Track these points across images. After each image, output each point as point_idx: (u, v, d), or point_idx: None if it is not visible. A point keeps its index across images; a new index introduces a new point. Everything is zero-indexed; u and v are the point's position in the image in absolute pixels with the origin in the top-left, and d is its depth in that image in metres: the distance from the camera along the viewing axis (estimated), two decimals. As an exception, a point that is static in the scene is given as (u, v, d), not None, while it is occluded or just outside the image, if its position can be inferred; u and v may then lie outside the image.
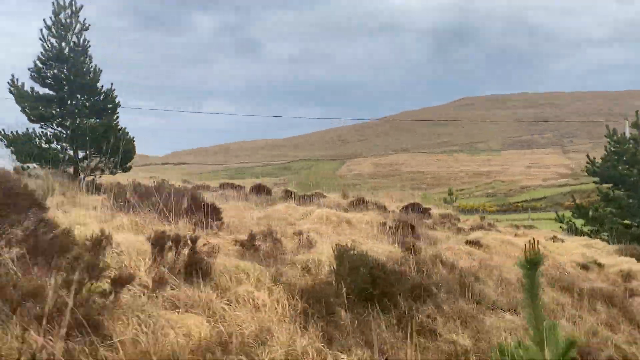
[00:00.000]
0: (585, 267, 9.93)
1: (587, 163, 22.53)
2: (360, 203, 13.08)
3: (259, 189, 14.75)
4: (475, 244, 9.37)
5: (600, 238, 17.83)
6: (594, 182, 22.75)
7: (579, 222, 21.51)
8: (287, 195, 15.02)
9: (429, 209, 15.49)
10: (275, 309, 4.57)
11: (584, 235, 19.51)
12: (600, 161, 22.03)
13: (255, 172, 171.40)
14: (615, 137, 21.88)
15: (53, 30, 12.95)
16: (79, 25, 13.19)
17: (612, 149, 21.87)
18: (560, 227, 21.57)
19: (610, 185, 21.85)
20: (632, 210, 20.76)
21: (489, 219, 20.63)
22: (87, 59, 13.34)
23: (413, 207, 14.23)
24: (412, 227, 9.16)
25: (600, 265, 10.28)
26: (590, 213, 21.07)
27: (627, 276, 9.50)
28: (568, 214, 22.91)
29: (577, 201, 22.73)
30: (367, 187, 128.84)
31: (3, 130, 12.51)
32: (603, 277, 9.54)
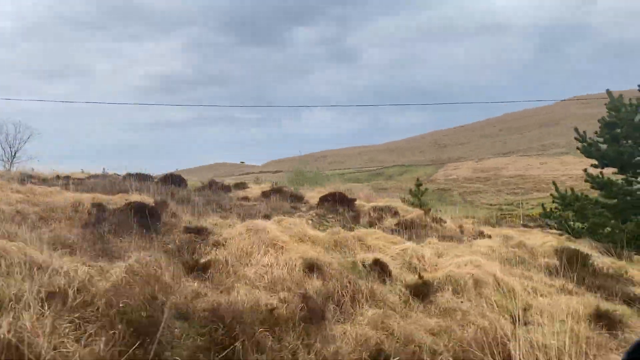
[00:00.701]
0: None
1: (576, 138, 17.00)
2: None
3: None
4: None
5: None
6: (592, 165, 16.82)
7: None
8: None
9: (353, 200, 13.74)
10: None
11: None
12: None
13: (348, 177, 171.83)
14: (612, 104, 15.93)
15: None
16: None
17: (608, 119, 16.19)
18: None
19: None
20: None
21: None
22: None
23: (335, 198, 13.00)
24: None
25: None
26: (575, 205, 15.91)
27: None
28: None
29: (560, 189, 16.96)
30: (458, 192, 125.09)
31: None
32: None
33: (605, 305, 6.46)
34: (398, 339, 4.89)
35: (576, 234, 15.01)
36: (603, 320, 5.74)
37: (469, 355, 4.54)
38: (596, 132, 16.87)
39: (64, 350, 3.43)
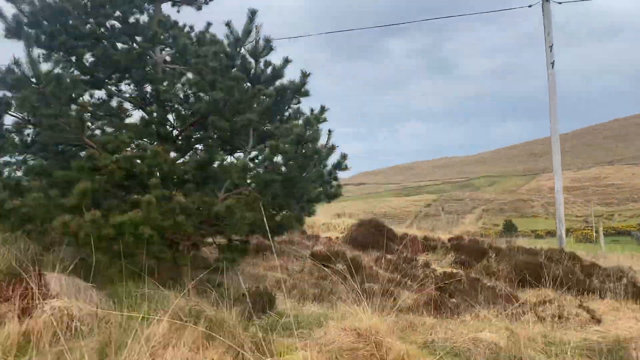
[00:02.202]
0: None
1: None
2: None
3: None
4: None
5: None
6: None
7: None
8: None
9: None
10: None
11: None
12: None
13: (429, 190, 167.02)
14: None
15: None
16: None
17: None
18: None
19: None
20: None
21: None
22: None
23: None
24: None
25: None
26: None
27: None
28: None
29: None
30: (543, 202, 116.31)
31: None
32: None
33: None
34: None
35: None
36: None
37: None
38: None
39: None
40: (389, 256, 11.04)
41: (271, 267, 8.87)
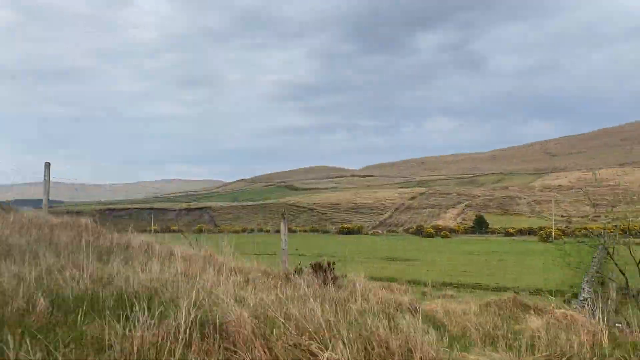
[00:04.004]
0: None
1: None
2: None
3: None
4: None
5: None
6: None
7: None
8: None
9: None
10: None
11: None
12: None
13: (433, 184, 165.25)
14: None
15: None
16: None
17: None
18: None
19: None
20: None
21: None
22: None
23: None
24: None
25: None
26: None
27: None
28: None
29: None
30: (527, 200, 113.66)
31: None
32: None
33: None
34: None
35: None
36: None
37: None
38: None
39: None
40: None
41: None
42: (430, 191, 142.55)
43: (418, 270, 34.38)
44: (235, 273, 6.74)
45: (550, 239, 74.82)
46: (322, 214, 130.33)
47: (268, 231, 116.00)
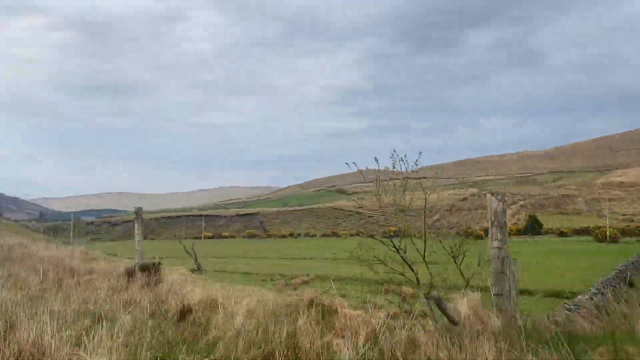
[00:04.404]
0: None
1: None
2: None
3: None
4: None
5: None
6: None
7: None
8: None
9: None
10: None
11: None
12: None
13: (489, 185, 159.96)
14: None
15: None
16: None
17: None
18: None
19: None
20: None
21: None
22: None
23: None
24: None
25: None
26: None
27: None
28: None
29: None
30: (589, 198, 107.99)
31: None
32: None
33: None
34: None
35: None
36: None
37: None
38: None
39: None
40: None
41: None
42: (484, 192, 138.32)
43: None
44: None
45: (606, 238, 70.67)
46: (369, 217, 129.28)
47: (314, 235, 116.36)
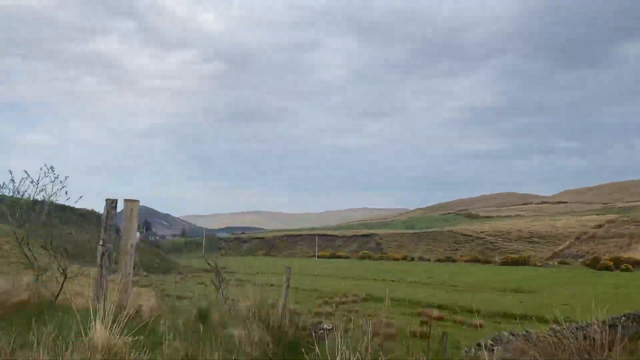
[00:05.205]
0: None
1: None
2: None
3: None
4: None
5: None
6: None
7: None
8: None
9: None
10: None
11: None
12: None
13: (633, 212, 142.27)
14: None
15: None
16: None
17: None
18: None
19: None
20: None
21: None
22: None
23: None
24: None
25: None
26: None
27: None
28: None
29: None
30: None
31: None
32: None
33: None
34: None
35: None
36: None
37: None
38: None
39: None
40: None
41: None
42: (623, 219, 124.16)
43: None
44: None
45: None
46: (490, 243, 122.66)
47: (429, 260, 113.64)
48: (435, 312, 22.84)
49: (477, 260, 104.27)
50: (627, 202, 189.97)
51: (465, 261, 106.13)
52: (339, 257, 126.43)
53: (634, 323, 24.60)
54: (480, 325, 18.78)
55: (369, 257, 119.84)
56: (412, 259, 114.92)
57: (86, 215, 66.74)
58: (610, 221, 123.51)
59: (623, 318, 23.59)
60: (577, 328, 19.36)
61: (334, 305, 25.39)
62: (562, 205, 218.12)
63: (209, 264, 38.19)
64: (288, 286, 8.81)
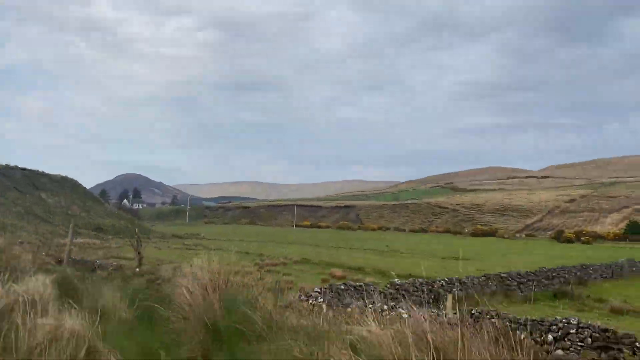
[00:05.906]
0: None
1: None
2: None
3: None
4: None
5: None
6: None
7: None
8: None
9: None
10: None
11: None
12: None
13: (616, 188, 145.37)
14: None
15: None
16: None
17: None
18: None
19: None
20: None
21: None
22: None
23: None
24: None
25: None
26: None
27: None
28: None
29: None
30: None
31: None
32: None
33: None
34: None
35: None
36: None
37: None
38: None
39: None
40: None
41: None
42: (595, 194, 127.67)
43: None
44: None
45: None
46: (464, 215, 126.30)
47: (404, 230, 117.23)
48: (339, 272, 25.92)
49: (448, 231, 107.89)
50: (609, 177, 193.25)
51: (438, 232, 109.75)
52: (319, 227, 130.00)
53: (494, 282, 28.02)
54: (356, 280, 21.73)
55: (349, 228, 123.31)
56: (388, 229, 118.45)
57: (61, 182, 69.61)
58: (583, 196, 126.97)
59: (482, 278, 27.10)
60: (421, 283, 22.74)
61: (258, 265, 28.35)
62: (548, 180, 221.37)
63: (136, 232, 40.93)
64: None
